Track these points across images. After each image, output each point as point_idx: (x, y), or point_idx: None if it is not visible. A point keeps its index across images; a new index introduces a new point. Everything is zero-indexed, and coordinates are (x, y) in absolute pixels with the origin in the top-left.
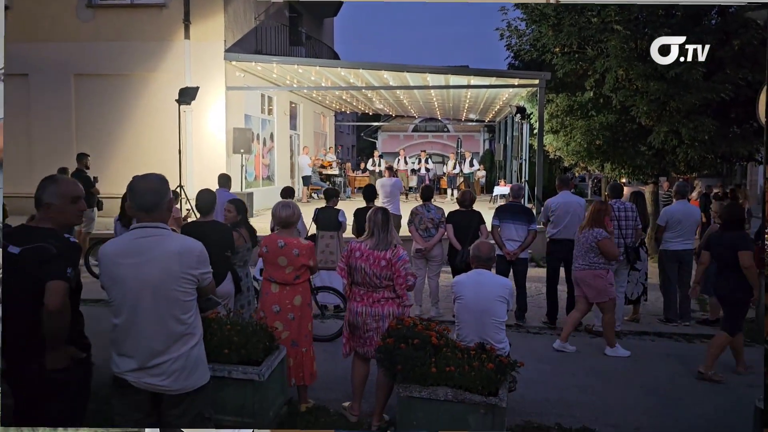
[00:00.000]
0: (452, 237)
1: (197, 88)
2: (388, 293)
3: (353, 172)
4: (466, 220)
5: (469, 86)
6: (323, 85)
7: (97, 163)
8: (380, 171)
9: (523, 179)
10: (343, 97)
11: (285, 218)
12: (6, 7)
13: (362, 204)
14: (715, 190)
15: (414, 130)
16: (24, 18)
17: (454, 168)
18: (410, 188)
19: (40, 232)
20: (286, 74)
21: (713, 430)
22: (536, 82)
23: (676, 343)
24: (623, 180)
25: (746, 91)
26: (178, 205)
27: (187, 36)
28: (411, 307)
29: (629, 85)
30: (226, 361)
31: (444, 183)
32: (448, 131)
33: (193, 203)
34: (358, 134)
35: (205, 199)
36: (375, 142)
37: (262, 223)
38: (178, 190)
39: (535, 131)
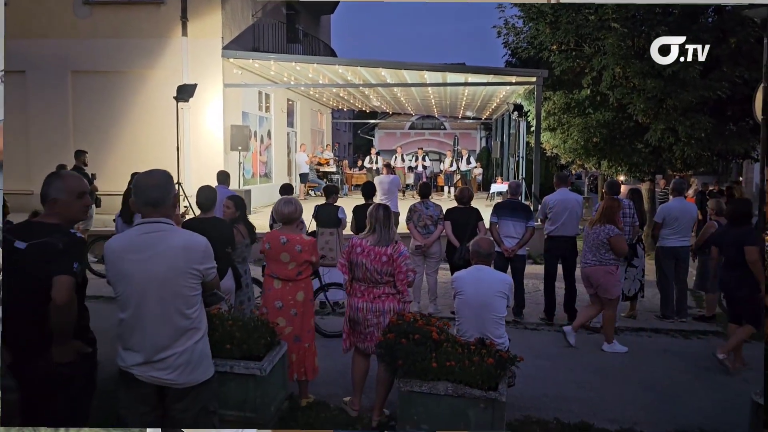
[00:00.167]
0: (450, 234)
1: (195, 85)
2: (388, 289)
3: (350, 169)
4: (464, 217)
5: (466, 84)
6: (320, 82)
7: (94, 160)
8: (377, 168)
9: (520, 177)
10: (341, 95)
11: (287, 215)
12: (5, 4)
13: (359, 201)
14: (710, 188)
15: (411, 128)
16: (21, 14)
17: (451, 165)
18: (407, 186)
19: (46, 228)
20: (283, 71)
21: (710, 425)
22: (533, 79)
23: (672, 339)
24: (621, 178)
25: (743, 89)
26: None
27: (184, 33)
28: (411, 303)
29: (626, 83)
30: (227, 356)
31: (441, 180)
32: (445, 129)
33: (191, 200)
34: (355, 132)
35: (205, 195)
36: (372, 140)
37: (259, 221)
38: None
39: (532, 129)
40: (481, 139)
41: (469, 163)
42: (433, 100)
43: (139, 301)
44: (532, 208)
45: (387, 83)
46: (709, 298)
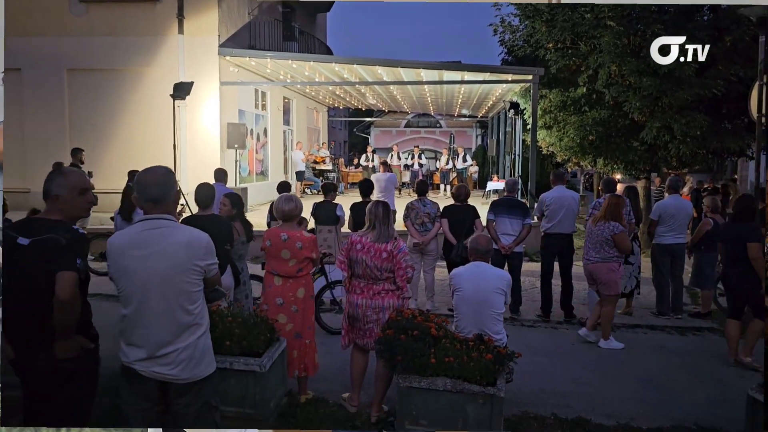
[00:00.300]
0: (447, 231)
1: (192, 83)
2: (388, 285)
3: (346, 167)
4: (461, 215)
5: (462, 81)
6: (317, 80)
7: (90, 158)
8: (373, 166)
9: (515, 174)
10: (337, 93)
11: (288, 212)
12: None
13: (355, 199)
14: (705, 185)
15: (406, 126)
16: (16, 12)
17: (447, 163)
18: (403, 184)
19: (49, 224)
20: (279, 69)
21: (707, 420)
22: (530, 77)
23: (668, 335)
24: (617, 176)
25: (738, 87)
26: None
27: (180, 31)
28: (410, 299)
29: (622, 81)
30: (227, 352)
31: (437, 178)
32: (441, 127)
33: (189, 198)
34: (351, 130)
35: (204, 192)
36: (367, 138)
37: (255, 218)
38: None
39: (529, 127)
40: (476, 137)
41: (465, 161)
42: (429, 98)
43: (141, 297)
44: (528, 205)
45: (384, 81)
46: (705, 295)
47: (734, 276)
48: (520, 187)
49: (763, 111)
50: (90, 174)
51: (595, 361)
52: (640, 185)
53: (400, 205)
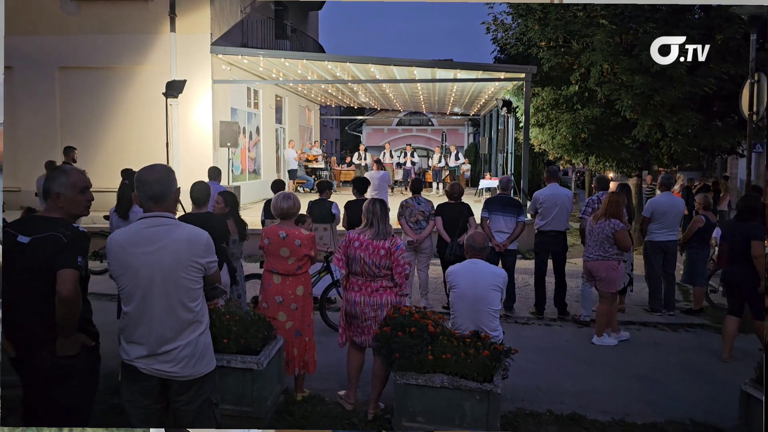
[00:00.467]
0: (441, 229)
1: (184, 81)
2: (386, 282)
3: (338, 165)
4: (455, 213)
5: (455, 80)
6: (309, 78)
7: (82, 157)
8: (366, 165)
9: (508, 172)
10: (329, 91)
11: (286, 209)
12: None
13: (348, 197)
14: (696, 183)
15: (398, 124)
16: (7, 10)
17: (440, 162)
18: (395, 182)
19: (50, 222)
20: (272, 67)
21: (700, 415)
22: (522, 75)
23: (661, 332)
24: (610, 174)
25: (729, 85)
26: None
27: (173, 29)
28: (407, 296)
29: (614, 79)
30: (225, 350)
31: (429, 177)
32: (433, 125)
33: (181, 196)
34: (342, 128)
35: (200, 190)
36: (359, 136)
37: (248, 217)
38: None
39: (521, 125)
40: (468, 135)
41: (457, 159)
42: (421, 97)
43: (144, 295)
44: (521, 203)
45: (376, 79)
46: (697, 292)
47: (737, 274)
48: (513, 185)
49: (754, 109)
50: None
51: (589, 357)
52: (631, 183)
53: (393, 203)
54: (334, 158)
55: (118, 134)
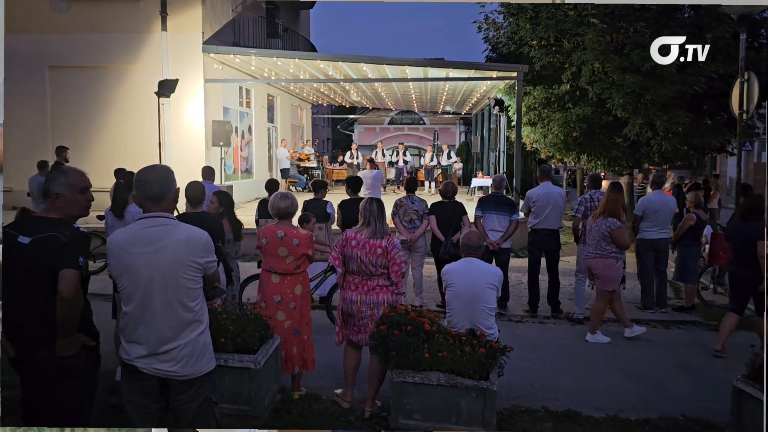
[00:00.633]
0: (435, 228)
1: (177, 80)
2: (382, 281)
3: (330, 164)
4: (448, 211)
5: (447, 79)
6: (301, 77)
7: (75, 156)
8: (358, 164)
9: (500, 171)
10: (321, 90)
11: (283, 209)
12: None
13: (341, 196)
14: (686, 181)
15: (390, 123)
16: None
17: (432, 160)
18: (388, 181)
19: (50, 222)
20: (264, 66)
21: (692, 411)
22: (514, 74)
23: (653, 329)
24: (602, 173)
25: (719, 84)
26: None
27: (164, 28)
28: (404, 294)
29: (605, 78)
30: (222, 349)
31: (421, 175)
32: (425, 124)
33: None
34: (334, 127)
35: (195, 190)
36: (351, 135)
37: (241, 216)
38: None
39: (513, 123)
40: (460, 133)
41: (449, 158)
42: (413, 95)
43: (144, 295)
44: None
45: (368, 78)
46: (688, 289)
47: (743, 273)
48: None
49: (744, 107)
50: None
51: (582, 354)
52: (623, 181)
53: (385, 201)
54: (326, 157)
55: (109, 134)
